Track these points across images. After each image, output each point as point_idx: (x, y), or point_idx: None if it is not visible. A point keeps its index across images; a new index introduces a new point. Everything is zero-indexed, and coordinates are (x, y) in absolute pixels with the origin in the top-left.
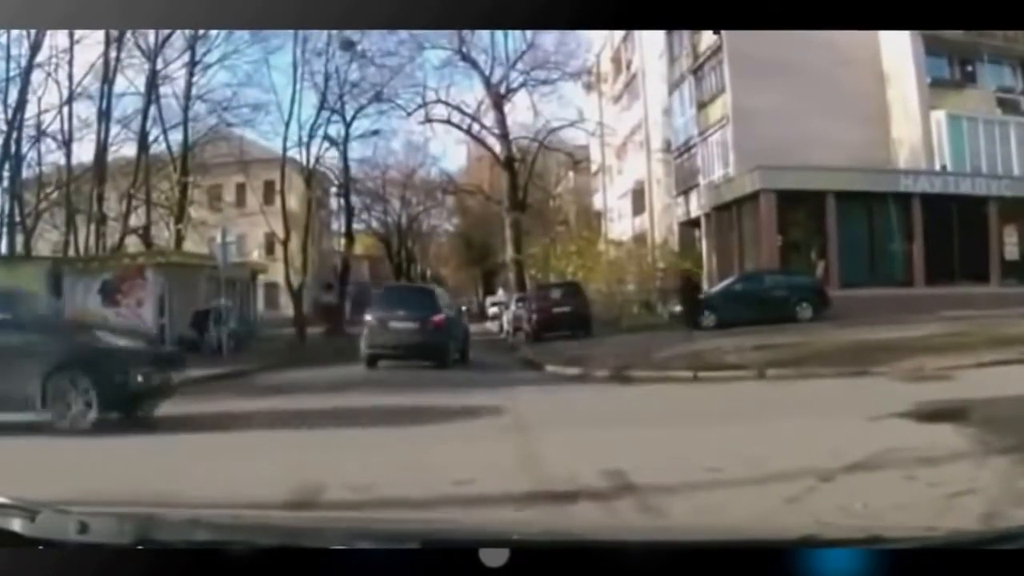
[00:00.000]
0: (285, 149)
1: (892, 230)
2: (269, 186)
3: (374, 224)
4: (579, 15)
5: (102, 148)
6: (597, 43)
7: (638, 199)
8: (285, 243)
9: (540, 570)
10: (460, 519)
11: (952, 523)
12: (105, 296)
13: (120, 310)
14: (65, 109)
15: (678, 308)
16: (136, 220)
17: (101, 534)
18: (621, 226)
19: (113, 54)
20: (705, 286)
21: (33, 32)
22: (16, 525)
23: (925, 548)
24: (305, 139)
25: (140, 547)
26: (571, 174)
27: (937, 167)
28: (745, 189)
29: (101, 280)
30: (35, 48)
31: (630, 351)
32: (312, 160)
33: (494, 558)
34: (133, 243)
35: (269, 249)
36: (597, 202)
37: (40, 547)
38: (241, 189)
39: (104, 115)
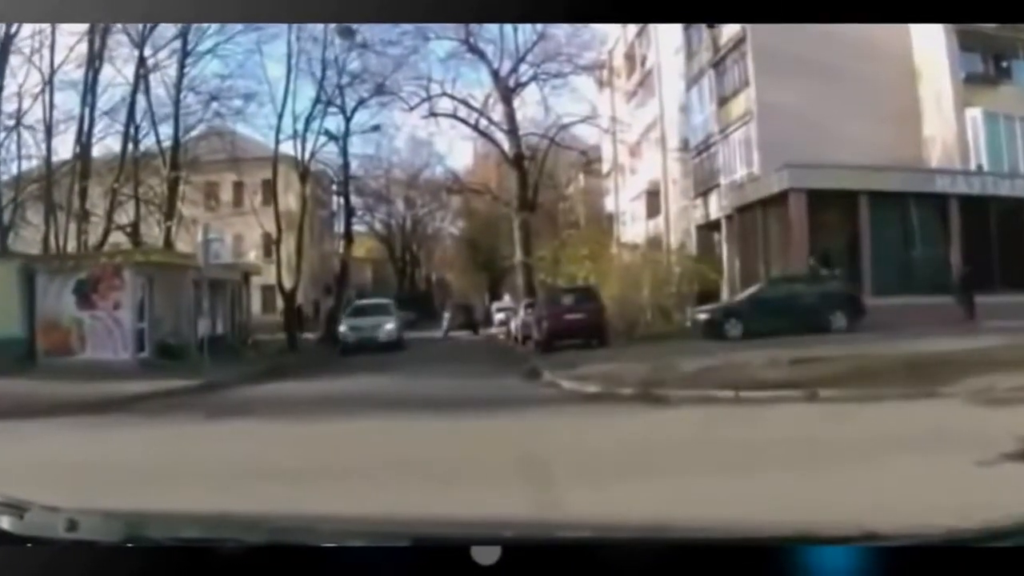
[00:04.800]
0: (278, 142)
1: (927, 234)
2: (267, 185)
3: (377, 226)
4: (587, 9)
5: (86, 140)
6: (611, 38)
7: (653, 201)
8: (278, 243)
9: (533, 568)
10: (451, 516)
11: None
12: (80, 297)
13: (96, 312)
14: (47, 98)
15: (702, 316)
16: (126, 218)
17: (91, 532)
18: (634, 229)
19: (99, 41)
20: (725, 293)
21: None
22: (4, 523)
23: (921, 545)
24: (301, 133)
25: (130, 545)
26: (581, 176)
27: (972, 167)
28: (772, 189)
29: (75, 280)
30: (12, 32)
31: (654, 364)
32: (308, 155)
33: (486, 556)
34: (123, 241)
35: (267, 251)
36: (609, 204)
37: (28, 545)
38: (238, 188)
39: (89, 105)
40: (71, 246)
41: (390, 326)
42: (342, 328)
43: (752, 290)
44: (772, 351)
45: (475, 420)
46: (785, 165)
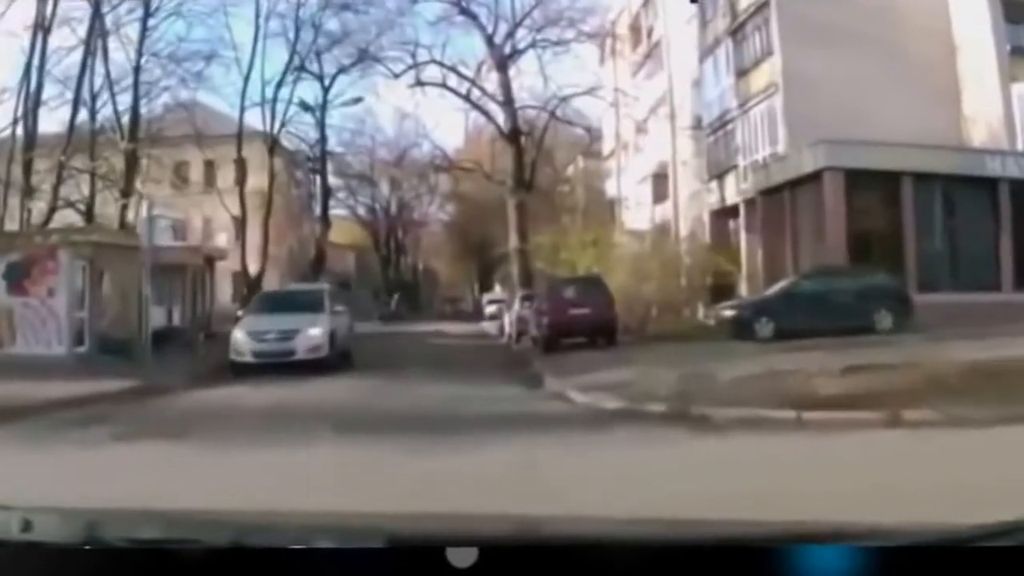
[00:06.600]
0: (243, 108)
1: (975, 221)
2: (240, 164)
3: (360, 210)
4: None
5: (32, 106)
6: (615, 8)
7: (660, 184)
8: (243, 222)
9: (512, 571)
10: (425, 514)
11: None
12: (10, 282)
13: (28, 300)
14: None
15: (728, 313)
16: (79, 195)
17: (46, 532)
18: (640, 215)
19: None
20: (744, 286)
21: None
22: None
23: (920, 545)
24: (270, 99)
25: (87, 546)
26: (580, 158)
27: (1020, 148)
28: (804, 168)
29: (6, 263)
30: None
31: (682, 371)
32: (278, 125)
33: (462, 558)
34: (76, 221)
35: (239, 234)
36: (612, 188)
37: None
38: (209, 167)
39: (37, 68)
40: (13, 225)
41: (316, 331)
42: (236, 334)
43: (785, 284)
44: (816, 356)
45: (463, 450)
46: (820, 141)
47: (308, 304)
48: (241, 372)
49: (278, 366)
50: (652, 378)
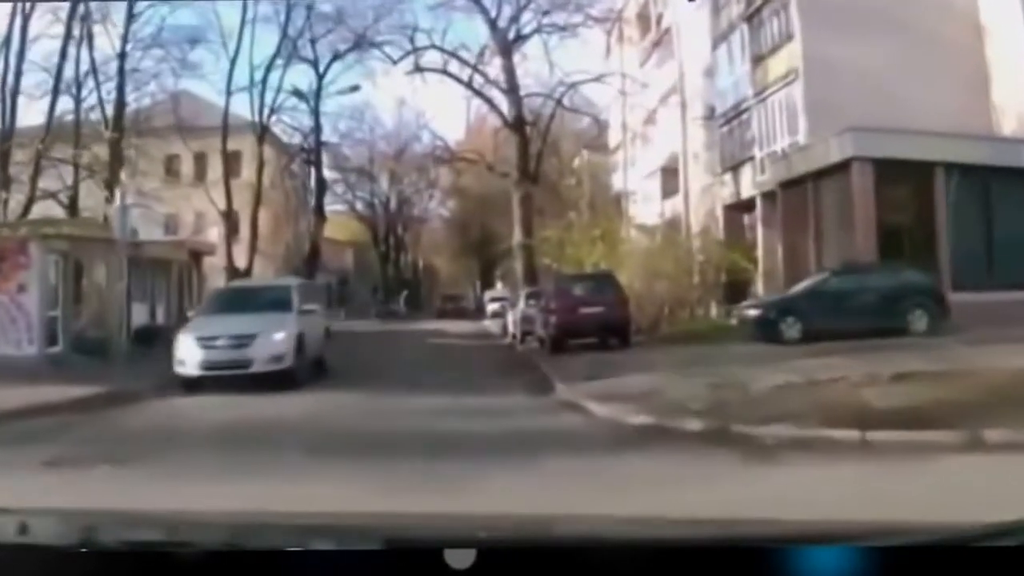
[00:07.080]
0: (229, 93)
1: (1011, 215)
2: (234, 157)
3: (359, 205)
4: None
5: (11, 95)
6: None
7: (670, 178)
8: (228, 215)
9: (510, 572)
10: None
11: None
12: None
13: None
14: None
15: (751, 312)
16: (62, 186)
17: (43, 535)
18: (648, 210)
19: None
20: (760, 284)
21: None
22: None
23: (921, 545)
24: (259, 83)
25: (83, 549)
26: (585, 151)
27: None
28: (830, 158)
29: None
30: None
31: (707, 378)
32: (268, 114)
33: (460, 559)
34: (59, 214)
35: (235, 229)
36: (619, 182)
37: None
38: (200, 160)
39: (17, 55)
40: None
41: (278, 336)
42: (180, 339)
43: (812, 282)
44: (854, 361)
45: (451, 487)
46: (848, 129)
47: (271, 303)
48: (190, 387)
49: (231, 380)
50: (677, 386)
